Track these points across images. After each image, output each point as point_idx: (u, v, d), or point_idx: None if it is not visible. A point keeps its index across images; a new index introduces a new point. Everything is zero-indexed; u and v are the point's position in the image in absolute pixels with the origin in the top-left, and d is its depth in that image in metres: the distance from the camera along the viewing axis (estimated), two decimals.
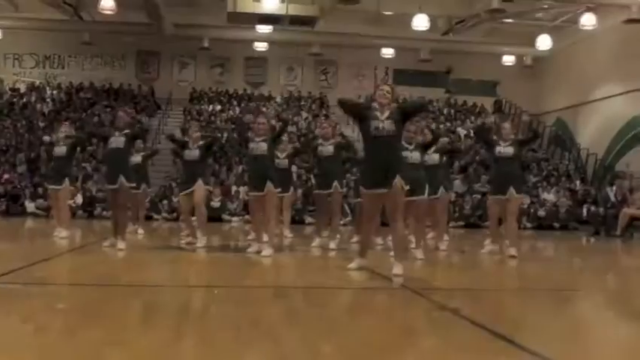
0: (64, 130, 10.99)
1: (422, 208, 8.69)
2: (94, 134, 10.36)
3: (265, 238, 8.83)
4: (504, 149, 9.02)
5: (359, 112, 6.82)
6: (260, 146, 8.54)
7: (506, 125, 9.30)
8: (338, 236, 10.03)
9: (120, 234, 8.82)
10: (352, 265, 6.92)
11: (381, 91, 6.70)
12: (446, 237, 11.10)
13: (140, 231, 11.84)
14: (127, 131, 8.83)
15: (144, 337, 3.61)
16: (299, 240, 11.66)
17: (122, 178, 8.68)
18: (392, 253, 6.98)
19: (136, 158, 11.31)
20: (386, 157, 6.55)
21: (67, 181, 10.72)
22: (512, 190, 8.90)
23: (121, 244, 8.71)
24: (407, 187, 6.64)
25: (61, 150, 10.69)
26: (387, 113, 6.56)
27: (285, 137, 11.90)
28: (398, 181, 6.45)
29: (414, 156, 8.48)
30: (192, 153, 9.57)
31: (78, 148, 12.48)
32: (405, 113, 6.73)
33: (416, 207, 8.44)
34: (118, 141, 8.75)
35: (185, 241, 9.89)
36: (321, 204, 10.22)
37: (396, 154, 6.70)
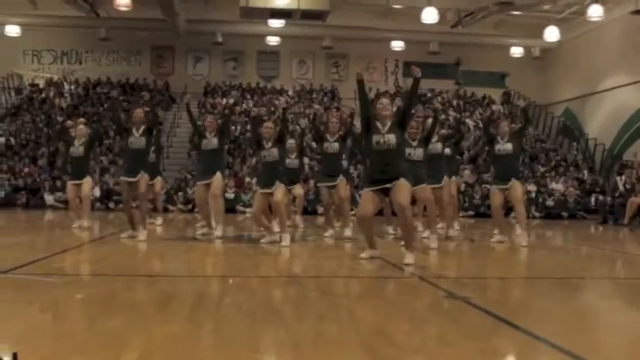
0: (80, 132, 11.28)
1: (425, 195, 8.98)
2: (117, 126, 10.35)
3: (276, 227, 9.16)
4: (503, 146, 9.37)
5: (364, 118, 6.88)
6: (271, 153, 8.82)
7: (504, 124, 9.61)
8: (351, 225, 10.20)
9: (141, 224, 9.10)
10: (363, 254, 7.07)
11: (380, 104, 6.82)
12: (456, 226, 11.34)
13: (159, 222, 12.27)
14: (142, 128, 9.08)
15: (161, 326, 3.66)
16: (312, 230, 11.88)
17: (143, 174, 9.06)
18: (402, 243, 7.08)
19: (150, 156, 11.56)
20: (388, 166, 6.67)
21: (88, 177, 11.28)
22: (513, 180, 9.31)
23: (142, 235, 8.98)
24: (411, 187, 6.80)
25: (78, 151, 11.13)
26: (388, 125, 6.70)
27: (293, 139, 12.33)
28: (402, 181, 6.61)
29: (417, 153, 8.78)
30: (211, 142, 9.77)
31: (96, 143, 12.88)
32: (403, 116, 6.85)
33: (418, 195, 8.78)
34: (139, 142, 9.03)
35: (201, 232, 10.14)
36: (325, 197, 10.53)
37: (398, 162, 6.77)
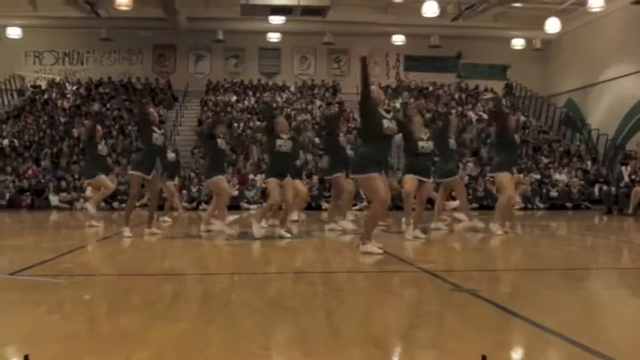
0: (100, 133, 11.89)
1: (429, 190, 9.34)
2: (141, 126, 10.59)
3: (264, 223, 9.71)
4: (516, 137, 9.96)
5: (372, 106, 7.05)
6: (287, 144, 9.25)
7: (513, 117, 10.16)
8: (351, 218, 10.59)
9: (149, 221, 9.81)
10: (378, 250, 6.97)
11: (375, 92, 7.12)
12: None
13: (167, 218, 12.57)
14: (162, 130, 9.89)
15: (170, 324, 3.66)
16: (316, 225, 12.01)
17: (159, 172, 9.80)
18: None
19: (171, 155, 12.38)
20: (387, 152, 7.20)
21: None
22: (515, 171, 9.89)
23: (155, 230, 9.73)
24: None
25: (105, 150, 12.01)
26: (389, 113, 7.17)
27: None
28: (390, 181, 7.26)
29: (429, 145, 8.97)
30: (225, 145, 10.35)
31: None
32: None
33: (425, 190, 8.97)
34: (161, 138, 9.63)
35: (218, 227, 10.14)
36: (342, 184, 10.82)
37: (390, 150, 7.47)
